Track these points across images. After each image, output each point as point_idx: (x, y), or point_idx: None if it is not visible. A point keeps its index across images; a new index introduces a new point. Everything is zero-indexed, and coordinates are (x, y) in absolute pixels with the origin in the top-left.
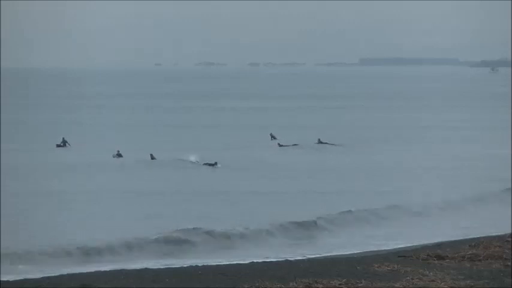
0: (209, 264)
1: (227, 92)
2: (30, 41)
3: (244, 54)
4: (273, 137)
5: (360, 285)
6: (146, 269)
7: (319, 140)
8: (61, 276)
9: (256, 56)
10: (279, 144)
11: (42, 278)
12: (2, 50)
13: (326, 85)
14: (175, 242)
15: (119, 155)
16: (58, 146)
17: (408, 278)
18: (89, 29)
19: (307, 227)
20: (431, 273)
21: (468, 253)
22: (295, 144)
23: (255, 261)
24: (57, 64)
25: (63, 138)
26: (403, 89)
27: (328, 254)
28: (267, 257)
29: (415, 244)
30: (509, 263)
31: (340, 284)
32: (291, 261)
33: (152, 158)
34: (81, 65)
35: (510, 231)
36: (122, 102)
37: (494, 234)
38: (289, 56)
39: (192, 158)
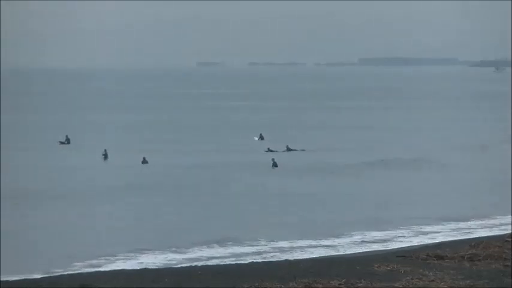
0: (209, 264)
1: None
2: (32, 40)
3: (243, 54)
4: (261, 138)
5: (359, 285)
6: (146, 269)
7: (287, 147)
8: (61, 276)
9: (256, 55)
10: (269, 149)
11: (42, 278)
12: (6, 50)
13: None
14: (175, 242)
15: (105, 156)
16: (61, 143)
17: (408, 278)
18: (88, 29)
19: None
20: (430, 273)
21: (468, 253)
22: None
23: (254, 261)
24: (57, 64)
25: (66, 136)
26: (415, 90)
27: (328, 254)
28: (267, 257)
29: (414, 244)
30: (509, 263)
31: (339, 284)
32: (290, 261)
33: (144, 161)
34: (81, 65)
35: (510, 231)
36: (124, 102)
37: (493, 234)
38: (289, 56)
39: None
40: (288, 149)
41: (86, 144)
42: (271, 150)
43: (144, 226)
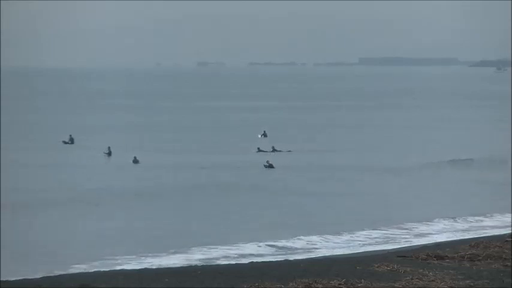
0: (209, 264)
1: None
2: (33, 40)
3: (243, 54)
4: (264, 135)
5: (359, 285)
6: (146, 269)
7: (273, 147)
8: (61, 276)
9: (256, 55)
10: (258, 149)
11: (42, 278)
12: (7, 50)
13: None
14: (175, 242)
15: (109, 153)
16: (65, 142)
17: (408, 278)
18: (88, 29)
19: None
20: (430, 273)
21: (468, 253)
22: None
23: (254, 261)
24: (58, 64)
25: (70, 135)
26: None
27: (328, 254)
28: (267, 257)
29: (414, 244)
30: (509, 263)
31: (339, 284)
32: (290, 261)
33: (135, 161)
34: (81, 65)
35: (510, 231)
36: (124, 102)
37: (493, 234)
38: (289, 56)
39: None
40: (274, 150)
41: (89, 144)
42: (262, 151)
43: (143, 226)
